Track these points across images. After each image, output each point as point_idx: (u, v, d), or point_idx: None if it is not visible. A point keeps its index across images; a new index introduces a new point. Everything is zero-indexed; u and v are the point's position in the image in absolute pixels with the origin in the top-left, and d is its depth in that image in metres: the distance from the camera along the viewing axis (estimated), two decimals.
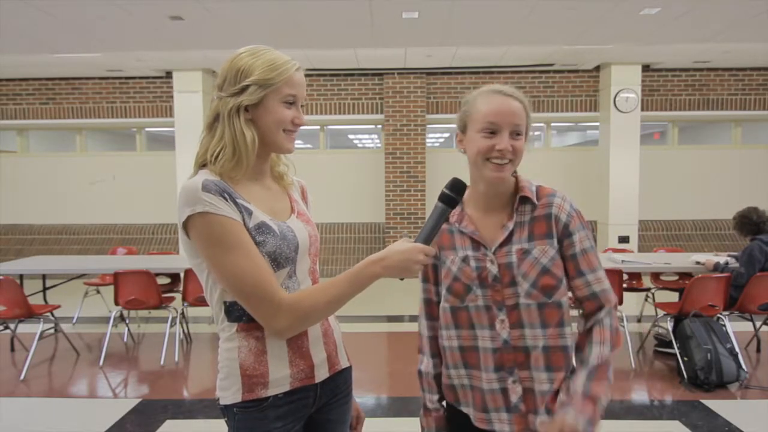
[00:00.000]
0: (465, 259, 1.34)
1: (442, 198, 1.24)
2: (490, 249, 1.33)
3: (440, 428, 1.44)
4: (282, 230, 1.23)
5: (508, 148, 1.27)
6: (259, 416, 1.22)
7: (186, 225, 1.16)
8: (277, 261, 1.20)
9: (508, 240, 1.32)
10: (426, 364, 1.46)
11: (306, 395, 1.27)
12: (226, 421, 1.27)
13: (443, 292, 1.39)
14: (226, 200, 1.16)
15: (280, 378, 1.23)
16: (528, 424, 1.32)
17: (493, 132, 1.28)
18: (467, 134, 1.34)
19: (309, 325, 1.24)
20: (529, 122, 1.34)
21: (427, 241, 1.22)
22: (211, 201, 1.14)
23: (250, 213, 1.20)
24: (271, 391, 1.22)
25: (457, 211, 1.38)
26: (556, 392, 1.31)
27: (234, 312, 1.21)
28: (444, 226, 1.36)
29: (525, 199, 1.34)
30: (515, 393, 1.32)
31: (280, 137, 1.25)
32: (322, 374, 1.30)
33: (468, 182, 1.35)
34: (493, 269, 1.32)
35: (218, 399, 1.26)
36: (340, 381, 1.38)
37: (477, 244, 1.34)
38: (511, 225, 1.33)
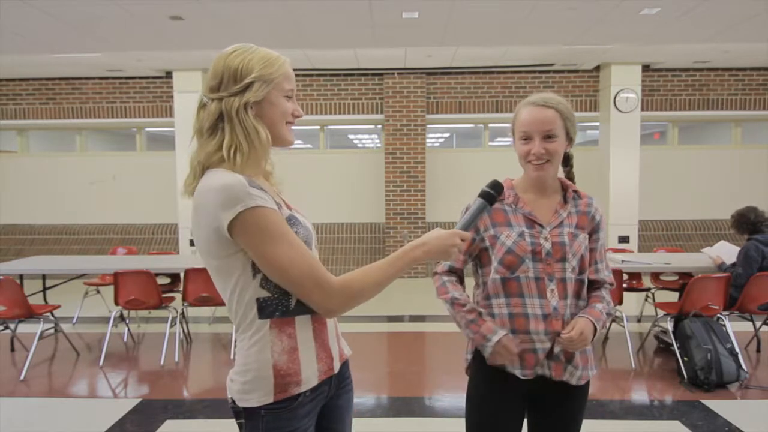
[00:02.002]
0: (521, 235, 1.58)
1: (483, 195, 1.41)
2: (546, 228, 1.59)
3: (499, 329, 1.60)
4: (304, 222, 1.29)
5: (540, 151, 1.55)
6: (289, 416, 1.22)
7: (233, 222, 1.12)
8: None
9: (560, 223, 1.60)
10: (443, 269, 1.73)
11: (324, 389, 1.31)
12: (241, 424, 1.24)
13: (494, 264, 1.60)
14: (266, 193, 1.18)
15: (310, 374, 1.24)
16: (563, 371, 1.59)
17: (527, 138, 1.57)
18: (515, 140, 1.64)
19: (357, 305, 1.27)
20: (568, 124, 1.59)
21: (465, 229, 1.35)
22: (259, 195, 1.15)
23: (279, 206, 1.22)
24: (303, 388, 1.23)
25: (511, 194, 1.64)
26: (588, 351, 1.64)
27: (268, 308, 1.20)
28: (497, 205, 1.62)
29: (575, 195, 1.67)
30: (558, 345, 1.58)
31: (284, 130, 1.28)
32: (336, 365, 1.33)
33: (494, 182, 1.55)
34: (547, 245, 1.57)
35: (232, 401, 1.24)
36: (344, 369, 1.42)
37: (532, 223, 1.60)
38: (564, 213, 1.62)
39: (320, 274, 1.18)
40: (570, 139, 1.61)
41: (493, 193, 1.41)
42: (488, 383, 1.65)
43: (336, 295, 1.19)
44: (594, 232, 1.65)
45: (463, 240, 1.31)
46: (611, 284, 1.70)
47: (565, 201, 1.65)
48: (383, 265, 1.24)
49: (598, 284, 1.68)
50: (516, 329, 1.58)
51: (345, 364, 1.41)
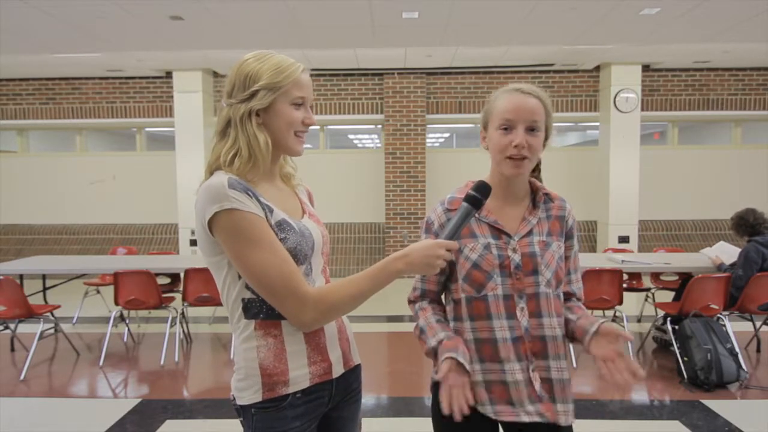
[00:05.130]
0: (487, 247, 1.38)
1: (468, 199, 1.28)
2: (514, 238, 1.39)
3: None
4: (300, 228, 1.26)
5: (523, 143, 1.33)
6: (277, 416, 1.23)
7: (211, 222, 1.17)
8: (297, 258, 1.22)
9: (529, 232, 1.40)
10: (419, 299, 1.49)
11: (322, 394, 1.29)
12: (241, 422, 1.27)
13: (459, 281, 1.40)
14: (251, 197, 1.18)
15: (299, 375, 1.24)
16: (555, 410, 1.36)
17: (509, 128, 1.36)
18: (488, 131, 1.43)
19: (333, 319, 1.27)
20: (549, 120, 1.40)
21: (450, 238, 1.25)
22: (238, 198, 1.16)
23: (271, 210, 1.22)
24: (292, 389, 1.23)
25: None
26: (570, 381, 1.41)
27: (252, 309, 1.23)
28: None
29: (547, 198, 1.46)
30: (536, 381, 1.37)
31: (291, 139, 1.28)
32: (338, 370, 1.32)
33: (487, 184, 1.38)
34: (516, 257, 1.37)
35: (233, 399, 1.27)
36: (353, 378, 1.41)
37: (498, 233, 1.40)
38: (534, 219, 1.42)
39: (295, 284, 1.17)
40: (546, 138, 1.41)
41: (479, 197, 1.27)
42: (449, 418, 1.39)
43: (310, 308, 1.18)
44: (568, 238, 1.46)
45: (449, 250, 1.21)
46: (580, 300, 1.50)
47: (534, 206, 1.44)
48: (363, 278, 1.21)
49: (569, 296, 1.48)
50: (484, 358, 1.37)
51: (353, 373, 1.40)
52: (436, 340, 1.36)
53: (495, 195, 1.39)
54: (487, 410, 1.37)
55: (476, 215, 1.38)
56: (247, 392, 1.23)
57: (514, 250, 1.38)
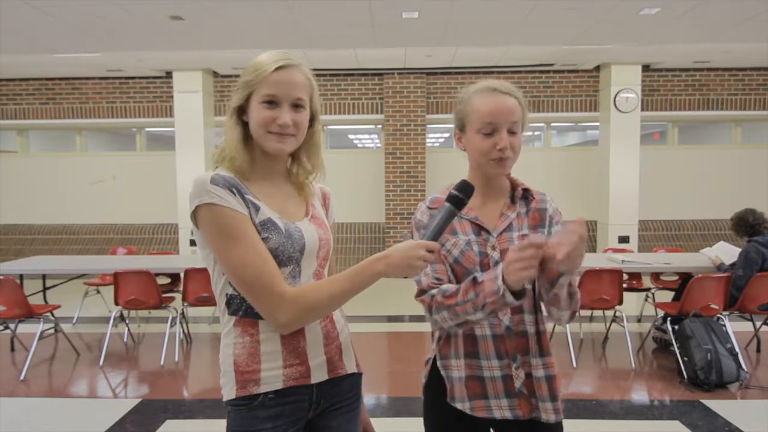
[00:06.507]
0: (468, 243, 1.36)
1: (450, 199, 1.26)
2: (493, 234, 1.37)
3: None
4: (288, 229, 1.24)
5: (507, 145, 1.32)
6: (249, 415, 1.22)
7: (194, 215, 1.19)
8: (278, 259, 1.21)
9: (508, 227, 1.38)
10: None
11: (300, 398, 1.26)
12: None
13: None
14: (234, 194, 1.19)
15: (272, 375, 1.22)
16: (532, 407, 1.35)
17: (491, 132, 1.33)
18: (466, 134, 1.39)
19: (312, 320, 1.23)
20: (525, 118, 1.37)
21: (433, 239, 1.22)
22: (218, 193, 1.17)
23: (257, 209, 1.22)
24: (263, 389, 1.21)
25: None
26: (553, 378, 1.37)
27: (233, 305, 1.24)
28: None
29: (525, 194, 1.43)
30: (519, 378, 1.35)
31: (263, 138, 1.24)
32: (319, 376, 1.28)
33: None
34: (495, 255, 1.36)
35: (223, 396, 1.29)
36: (345, 387, 1.36)
37: (478, 230, 1.38)
38: (512, 214, 1.40)
39: (271, 282, 1.16)
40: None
41: (461, 197, 1.24)
42: (442, 413, 1.43)
43: (286, 307, 1.16)
44: (551, 225, 1.41)
45: (430, 251, 1.17)
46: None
47: (513, 201, 1.42)
48: (343, 279, 1.19)
49: None
50: (463, 353, 1.37)
51: (345, 381, 1.36)
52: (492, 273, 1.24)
53: (475, 193, 1.34)
54: (466, 407, 1.36)
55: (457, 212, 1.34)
56: (225, 389, 1.24)
57: (494, 248, 1.36)
